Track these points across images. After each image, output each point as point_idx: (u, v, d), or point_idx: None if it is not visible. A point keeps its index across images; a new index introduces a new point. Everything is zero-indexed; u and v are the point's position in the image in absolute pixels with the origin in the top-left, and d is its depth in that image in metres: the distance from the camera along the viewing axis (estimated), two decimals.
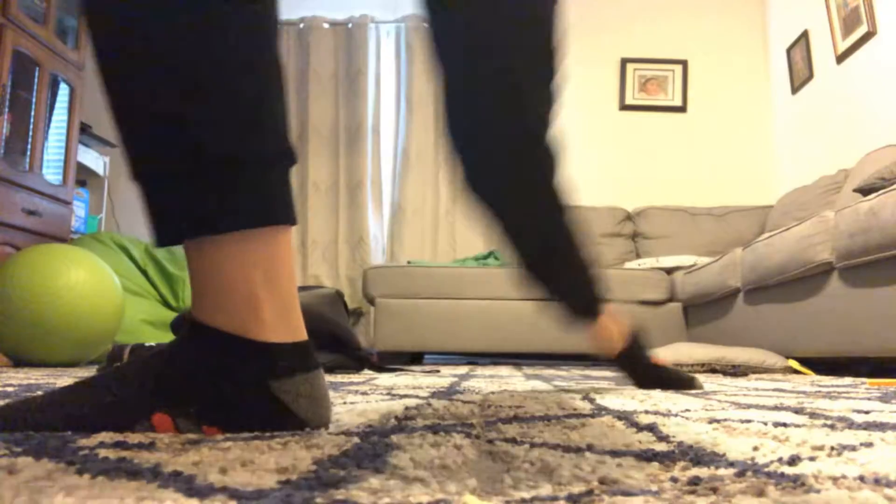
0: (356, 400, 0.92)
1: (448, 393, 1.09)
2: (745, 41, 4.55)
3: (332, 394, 1.03)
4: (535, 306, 3.25)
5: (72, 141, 3.41)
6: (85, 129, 3.87)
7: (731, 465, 0.43)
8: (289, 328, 0.59)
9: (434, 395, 1.04)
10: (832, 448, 0.50)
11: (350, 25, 4.50)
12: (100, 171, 4.26)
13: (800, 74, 3.99)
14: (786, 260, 2.31)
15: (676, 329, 3.32)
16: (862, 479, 0.39)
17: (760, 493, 0.35)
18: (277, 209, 0.59)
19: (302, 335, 0.60)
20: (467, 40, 1.01)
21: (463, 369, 2.40)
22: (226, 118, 0.57)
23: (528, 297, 3.27)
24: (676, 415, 0.75)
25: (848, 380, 1.78)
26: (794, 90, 4.08)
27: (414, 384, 1.34)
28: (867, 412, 0.80)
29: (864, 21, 3.26)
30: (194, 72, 0.56)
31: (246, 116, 0.57)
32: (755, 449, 0.50)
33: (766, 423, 0.65)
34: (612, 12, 4.59)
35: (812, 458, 0.46)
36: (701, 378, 1.88)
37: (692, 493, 0.36)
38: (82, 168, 4.02)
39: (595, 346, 1.25)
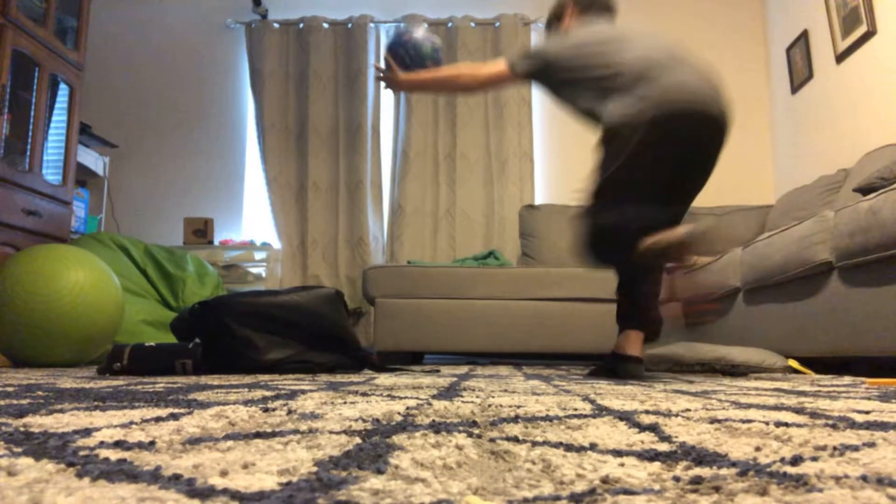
0: (356, 400, 0.92)
1: (448, 393, 1.09)
2: (745, 41, 4.55)
3: (332, 394, 1.03)
4: (534, 306, 3.25)
5: (71, 141, 3.41)
6: (85, 129, 3.87)
7: (734, 464, 0.43)
8: None
9: (435, 395, 1.04)
10: (834, 448, 0.50)
11: (350, 25, 4.50)
12: (100, 171, 4.26)
13: (799, 74, 3.99)
14: (786, 259, 2.31)
15: (676, 329, 3.32)
16: (864, 478, 0.39)
17: (763, 493, 0.35)
18: None
19: None
20: None
21: (463, 369, 2.40)
22: None
23: (528, 297, 3.27)
24: (678, 415, 0.75)
25: (848, 380, 1.78)
26: (794, 90, 4.08)
27: (414, 384, 1.34)
28: (868, 412, 0.80)
29: (863, 21, 3.26)
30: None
31: None
32: (757, 449, 0.50)
33: (767, 424, 0.65)
34: None
35: (815, 458, 0.46)
36: (700, 378, 1.88)
37: (695, 492, 0.36)
38: (82, 168, 4.02)
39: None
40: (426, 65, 2.03)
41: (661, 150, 1.72)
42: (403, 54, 2.02)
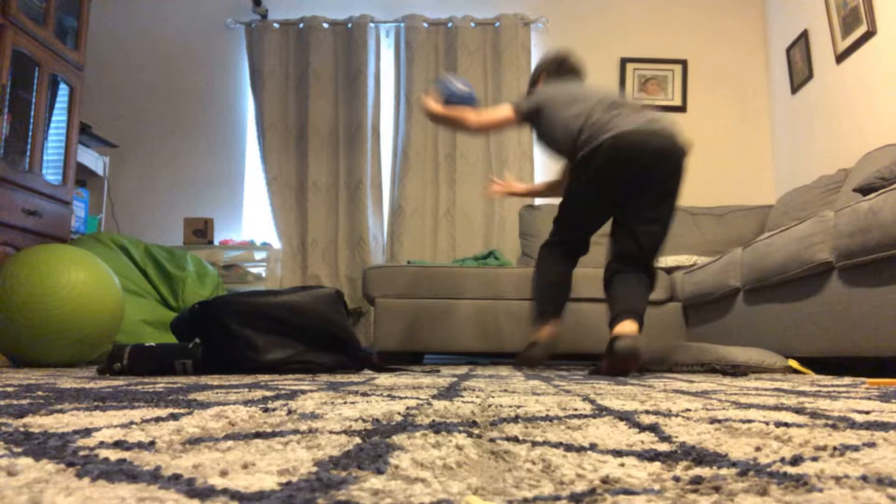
0: (356, 400, 0.92)
1: (448, 393, 1.09)
2: (745, 41, 4.55)
3: (332, 394, 1.03)
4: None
5: (71, 141, 3.41)
6: (85, 129, 3.87)
7: (734, 464, 0.43)
8: None
9: (435, 395, 1.04)
10: (835, 448, 0.50)
11: (350, 25, 4.50)
12: (100, 171, 4.26)
13: (799, 74, 3.99)
14: (786, 259, 2.31)
15: (676, 329, 3.32)
16: (865, 478, 0.39)
17: (763, 493, 0.35)
18: None
19: None
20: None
21: (463, 369, 2.40)
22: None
23: (528, 297, 3.27)
24: (678, 415, 0.75)
25: (848, 380, 1.78)
26: (794, 90, 4.08)
27: (414, 384, 1.34)
28: (868, 412, 0.80)
29: (863, 21, 3.26)
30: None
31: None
32: (757, 449, 0.50)
33: (767, 424, 0.65)
34: (612, 12, 4.59)
35: (815, 459, 0.46)
36: (700, 378, 1.88)
37: (694, 492, 0.36)
38: (82, 168, 4.02)
39: None
40: (455, 104, 2.50)
41: (616, 172, 2.15)
42: (443, 91, 2.52)
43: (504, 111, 2.43)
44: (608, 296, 2.24)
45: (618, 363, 1.98)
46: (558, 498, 0.34)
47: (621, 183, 2.16)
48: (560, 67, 2.58)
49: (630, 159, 2.11)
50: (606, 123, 2.16)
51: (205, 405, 0.80)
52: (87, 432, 0.55)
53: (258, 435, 0.55)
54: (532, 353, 2.26)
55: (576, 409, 0.81)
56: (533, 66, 4.53)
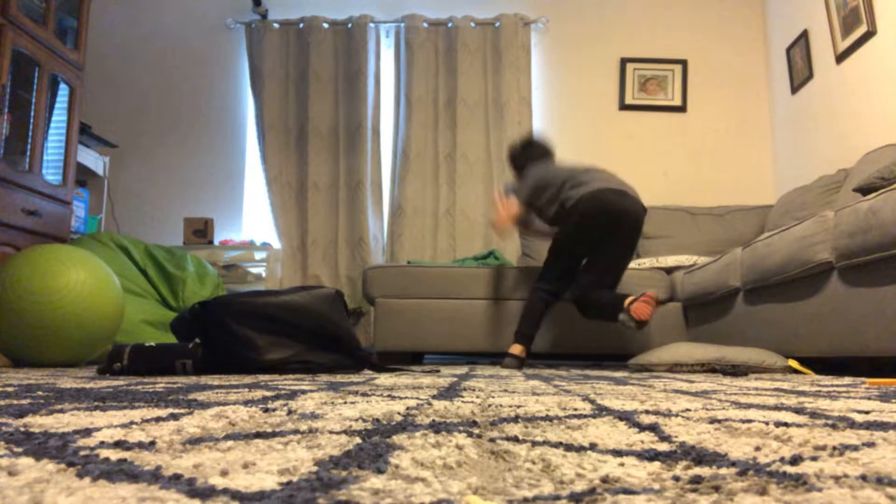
0: (356, 400, 0.92)
1: (448, 393, 1.09)
2: (745, 41, 4.55)
3: (332, 394, 1.03)
4: None
5: (71, 141, 3.41)
6: (85, 129, 3.87)
7: (733, 464, 0.43)
8: None
9: (435, 395, 1.04)
10: (834, 448, 0.50)
11: (350, 25, 4.50)
12: (100, 171, 4.26)
13: (799, 74, 3.99)
14: (786, 259, 2.31)
15: (676, 329, 3.32)
16: (864, 478, 0.39)
17: (762, 492, 0.35)
18: None
19: None
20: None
21: (463, 369, 2.40)
22: None
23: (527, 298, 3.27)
24: (678, 415, 0.75)
25: (848, 380, 1.78)
26: (794, 90, 4.08)
27: (414, 384, 1.34)
28: (867, 412, 0.80)
29: (863, 21, 3.26)
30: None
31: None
32: (757, 449, 0.50)
33: (767, 423, 0.65)
34: (612, 12, 4.59)
35: (814, 458, 0.46)
36: (700, 378, 1.88)
37: (694, 491, 0.36)
38: (82, 168, 4.02)
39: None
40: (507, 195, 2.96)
41: (589, 224, 2.67)
42: (506, 191, 2.96)
43: (513, 202, 2.86)
44: (594, 308, 2.68)
45: (644, 298, 2.46)
46: (558, 497, 0.34)
47: (595, 230, 2.68)
48: (524, 154, 3.02)
49: (602, 213, 2.64)
50: (581, 185, 2.70)
51: (205, 405, 0.80)
52: (87, 432, 0.56)
53: (258, 435, 0.55)
54: (506, 363, 2.71)
55: (576, 409, 0.81)
56: (533, 66, 4.54)
